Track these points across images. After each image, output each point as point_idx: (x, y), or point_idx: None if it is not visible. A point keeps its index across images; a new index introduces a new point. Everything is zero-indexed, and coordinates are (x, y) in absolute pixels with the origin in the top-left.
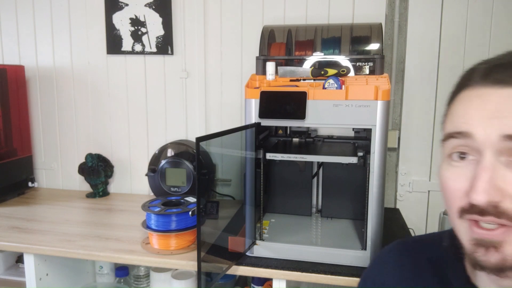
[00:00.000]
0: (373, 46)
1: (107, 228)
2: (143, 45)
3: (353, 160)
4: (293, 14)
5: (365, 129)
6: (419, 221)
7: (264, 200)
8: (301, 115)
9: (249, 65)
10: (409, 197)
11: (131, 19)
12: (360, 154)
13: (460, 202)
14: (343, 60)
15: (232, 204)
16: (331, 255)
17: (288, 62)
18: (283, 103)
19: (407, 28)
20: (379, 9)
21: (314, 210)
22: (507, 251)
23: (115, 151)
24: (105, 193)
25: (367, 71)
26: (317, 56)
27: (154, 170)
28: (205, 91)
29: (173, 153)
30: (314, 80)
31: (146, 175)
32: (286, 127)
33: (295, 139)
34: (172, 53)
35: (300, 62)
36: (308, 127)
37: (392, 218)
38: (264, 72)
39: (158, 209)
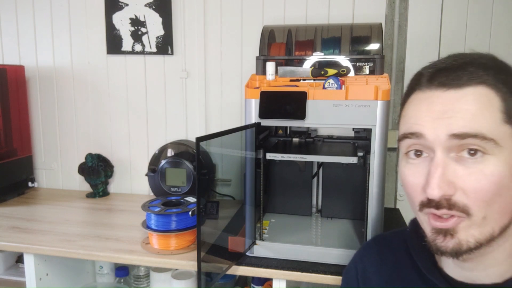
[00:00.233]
0: (373, 46)
1: (107, 228)
2: (143, 45)
3: (353, 160)
4: (293, 14)
5: (365, 129)
6: None
7: (264, 200)
8: (301, 115)
9: (249, 65)
10: None
11: (131, 19)
12: (360, 154)
13: (419, 196)
14: (343, 60)
15: (232, 204)
16: (331, 255)
17: (288, 62)
18: (283, 103)
19: (407, 28)
20: (379, 9)
21: (314, 210)
22: (461, 237)
23: (115, 151)
24: (105, 193)
25: (367, 71)
26: (317, 56)
27: (154, 170)
28: (205, 91)
29: (173, 153)
30: (314, 80)
31: (146, 175)
32: (286, 127)
33: (295, 139)
34: (172, 53)
35: (300, 62)
36: (308, 127)
37: (392, 218)
38: (264, 72)
39: (158, 209)
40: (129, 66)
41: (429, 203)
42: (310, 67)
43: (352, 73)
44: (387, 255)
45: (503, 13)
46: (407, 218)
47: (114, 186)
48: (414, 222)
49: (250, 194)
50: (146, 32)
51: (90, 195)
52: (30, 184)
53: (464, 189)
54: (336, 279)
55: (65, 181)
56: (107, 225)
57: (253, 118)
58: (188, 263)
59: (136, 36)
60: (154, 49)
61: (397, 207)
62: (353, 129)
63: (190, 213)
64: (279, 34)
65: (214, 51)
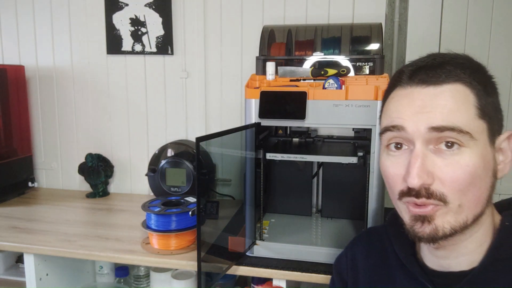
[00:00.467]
0: (373, 46)
1: (107, 228)
2: (143, 45)
3: (353, 160)
4: (293, 14)
5: (365, 129)
6: None
7: (264, 200)
8: (301, 115)
9: (249, 65)
10: None
11: (131, 19)
12: (360, 154)
13: (399, 186)
14: (343, 60)
15: (232, 204)
16: (331, 255)
17: (288, 62)
18: (283, 103)
19: (407, 28)
20: (379, 9)
21: (314, 210)
22: (438, 223)
23: (115, 151)
24: (105, 193)
25: (367, 71)
26: (317, 56)
27: (154, 170)
28: (205, 91)
29: (173, 153)
30: (314, 80)
31: (146, 175)
32: (286, 127)
33: (295, 139)
34: (172, 53)
35: (300, 62)
36: (308, 127)
37: None
38: (264, 72)
39: (158, 209)
40: (129, 66)
41: (409, 192)
42: (310, 67)
43: (352, 73)
44: (375, 244)
45: (503, 13)
46: None
47: (114, 186)
48: (393, 214)
49: (250, 194)
50: (146, 32)
51: (90, 195)
52: (30, 184)
53: (441, 179)
54: None
55: (65, 181)
56: (107, 225)
57: (253, 118)
58: (188, 263)
59: (136, 36)
60: (154, 49)
61: None
62: (353, 129)
63: (190, 213)
64: (279, 34)
65: (214, 51)
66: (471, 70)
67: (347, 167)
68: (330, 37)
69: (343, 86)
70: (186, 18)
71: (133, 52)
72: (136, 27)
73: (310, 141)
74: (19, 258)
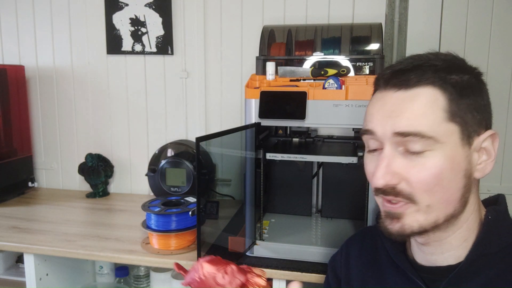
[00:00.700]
0: (373, 46)
1: (107, 228)
2: (143, 45)
3: (353, 160)
4: (293, 14)
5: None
6: None
7: (264, 200)
8: (301, 115)
9: (249, 65)
10: None
11: (131, 19)
12: (360, 154)
13: (373, 184)
14: (343, 60)
15: (232, 204)
16: (331, 255)
17: (288, 62)
18: (283, 103)
19: (407, 28)
20: (379, 9)
21: (314, 210)
22: (406, 221)
23: (115, 151)
24: (105, 193)
25: (367, 71)
26: (317, 56)
27: (154, 170)
28: (205, 91)
29: (173, 153)
30: (314, 80)
31: (146, 175)
32: (286, 127)
33: (295, 139)
34: (172, 53)
35: (300, 62)
36: (308, 127)
37: None
38: (264, 72)
39: (158, 209)
40: (129, 66)
41: (378, 190)
42: (310, 67)
43: (352, 73)
44: (368, 242)
45: (503, 13)
46: None
47: (114, 186)
48: None
49: (250, 194)
50: (146, 32)
51: (90, 195)
52: (30, 184)
53: (408, 180)
54: None
55: (65, 181)
56: (107, 225)
57: (253, 118)
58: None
59: (136, 36)
60: (154, 49)
61: None
62: (353, 129)
63: (190, 213)
64: (279, 34)
65: (214, 51)
66: (446, 72)
67: (347, 167)
68: (330, 37)
69: (343, 86)
70: (186, 18)
71: (133, 52)
72: (136, 27)
73: (310, 141)
74: (19, 258)
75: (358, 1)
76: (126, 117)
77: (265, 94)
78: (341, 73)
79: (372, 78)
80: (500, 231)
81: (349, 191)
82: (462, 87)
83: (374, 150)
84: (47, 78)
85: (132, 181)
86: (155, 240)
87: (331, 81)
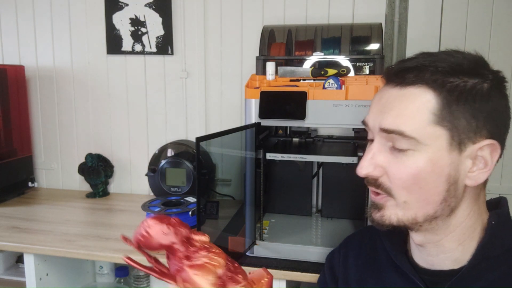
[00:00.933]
0: (373, 46)
1: (107, 228)
2: (143, 45)
3: (353, 160)
4: (293, 14)
5: (365, 129)
6: None
7: (264, 200)
8: (301, 115)
9: (249, 65)
10: None
11: (131, 19)
12: (360, 154)
13: None
14: (343, 60)
15: (232, 204)
16: None
17: (288, 62)
18: (283, 103)
19: (407, 28)
20: (379, 9)
21: (314, 210)
22: (386, 213)
23: (115, 151)
24: (105, 193)
25: (367, 71)
26: (317, 56)
27: (154, 170)
28: (205, 91)
29: (173, 153)
30: (314, 80)
31: (146, 175)
32: (286, 127)
33: (295, 139)
34: (172, 53)
35: (300, 62)
36: (308, 127)
37: None
38: (264, 72)
39: (158, 209)
40: (129, 66)
41: (365, 180)
42: (310, 67)
43: (352, 73)
44: (366, 242)
45: (503, 13)
46: None
47: (114, 186)
48: None
49: (250, 194)
50: (146, 32)
51: (90, 195)
52: (30, 184)
53: (388, 174)
54: None
55: (65, 181)
56: (107, 225)
57: (253, 118)
58: None
59: (136, 36)
60: (154, 49)
61: None
62: (353, 129)
63: (190, 213)
64: (279, 34)
65: (214, 51)
66: (448, 75)
67: (347, 167)
68: (330, 37)
69: (343, 86)
70: (186, 18)
71: (133, 52)
72: (136, 27)
73: (310, 141)
74: (19, 258)
75: (358, 1)
76: (126, 117)
77: (265, 94)
78: (341, 73)
79: (372, 78)
80: (502, 234)
81: (349, 191)
82: (461, 91)
83: (372, 141)
84: (47, 78)
85: (132, 181)
86: None
87: (331, 81)
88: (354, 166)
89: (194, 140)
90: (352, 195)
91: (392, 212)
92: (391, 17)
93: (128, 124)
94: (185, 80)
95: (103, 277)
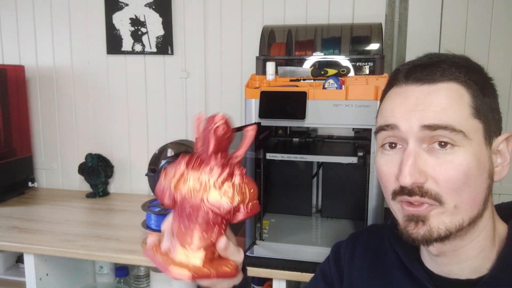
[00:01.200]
0: (373, 46)
1: (107, 228)
2: (143, 45)
3: (353, 160)
4: (293, 14)
5: (365, 129)
6: None
7: (264, 200)
8: (301, 115)
9: (249, 65)
10: None
11: (131, 19)
12: (360, 154)
13: (393, 185)
14: (343, 60)
15: None
16: None
17: (288, 62)
18: (283, 103)
19: (407, 28)
20: (379, 9)
21: (314, 210)
22: (432, 224)
23: (115, 151)
24: (105, 193)
25: (367, 71)
26: (317, 56)
27: (154, 170)
28: (205, 91)
29: (173, 153)
30: (314, 80)
31: (146, 175)
32: (286, 127)
33: (295, 139)
34: (172, 53)
35: (300, 62)
36: (308, 127)
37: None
38: (264, 72)
39: (158, 209)
40: (129, 66)
41: (402, 191)
42: (310, 67)
43: (352, 73)
44: (373, 241)
45: (503, 13)
46: None
47: (114, 186)
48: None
49: None
50: (146, 32)
51: (90, 195)
52: (30, 184)
53: (435, 178)
54: None
55: (65, 181)
56: (107, 225)
57: (253, 118)
58: None
59: (136, 36)
60: (154, 49)
61: None
62: (353, 129)
63: None
64: (279, 34)
65: (214, 51)
66: (467, 69)
67: (347, 167)
68: (330, 37)
69: (343, 86)
70: (186, 18)
71: (133, 52)
72: (136, 27)
73: (310, 141)
74: (19, 258)
75: (358, 1)
76: (126, 117)
77: (265, 94)
78: (341, 73)
79: (372, 78)
80: None
81: (349, 191)
82: (483, 85)
83: (391, 149)
84: (47, 78)
85: (132, 181)
86: None
87: (331, 81)
88: (354, 166)
89: (194, 140)
90: (352, 195)
91: (439, 222)
92: (391, 17)
93: (128, 124)
94: (185, 80)
95: (103, 277)
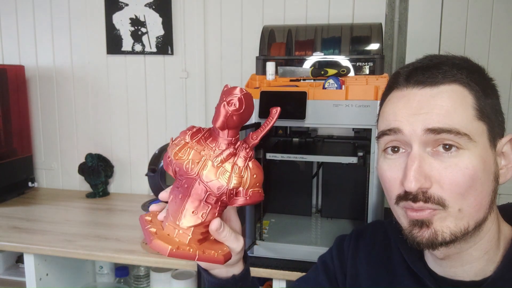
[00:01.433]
0: (373, 46)
1: (107, 228)
2: (143, 45)
3: (353, 160)
4: (293, 14)
5: (365, 129)
6: None
7: (264, 200)
8: (301, 115)
9: (249, 65)
10: None
11: (131, 19)
12: (360, 154)
13: (397, 190)
14: (343, 60)
15: None
16: None
17: (288, 62)
18: (283, 103)
19: (407, 28)
20: (379, 9)
21: (314, 210)
22: (437, 227)
23: (115, 151)
24: (105, 193)
25: (367, 71)
26: (317, 56)
27: (154, 170)
28: (205, 91)
29: None
30: (314, 80)
31: (146, 175)
32: (286, 127)
33: (295, 139)
34: (172, 53)
35: (300, 62)
36: (308, 127)
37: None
38: (264, 72)
39: None
40: (129, 66)
41: (406, 196)
42: (310, 67)
43: (352, 73)
44: (380, 237)
45: (503, 13)
46: None
47: (114, 186)
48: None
49: None
50: (146, 32)
51: (90, 195)
52: (30, 184)
53: (440, 182)
54: None
55: (65, 181)
56: (107, 225)
57: (253, 118)
58: (188, 263)
59: (136, 36)
60: (154, 49)
61: None
62: (353, 129)
63: None
64: (279, 34)
65: (214, 51)
66: (468, 70)
67: (347, 167)
68: (330, 37)
69: (343, 86)
70: (186, 18)
71: (133, 52)
72: (136, 27)
73: (310, 141)
74: (19, 258)
75: (358, 1)
76: (126, 117)
77: (265, 94)
78: (341, 73)
79: (372, 78)
80: None
81: (349, 191)
82: (485, 86)
83: (394, 153)
84: (47, 78)
85: (132, 181)
86: None
87: (331, 81)
88: (354, 166)
89: None
90: (352, 195)
91: (444, 226)
92: (391, 17)
93: (128, 124)
94: (185, 80)
95: (103, 277)
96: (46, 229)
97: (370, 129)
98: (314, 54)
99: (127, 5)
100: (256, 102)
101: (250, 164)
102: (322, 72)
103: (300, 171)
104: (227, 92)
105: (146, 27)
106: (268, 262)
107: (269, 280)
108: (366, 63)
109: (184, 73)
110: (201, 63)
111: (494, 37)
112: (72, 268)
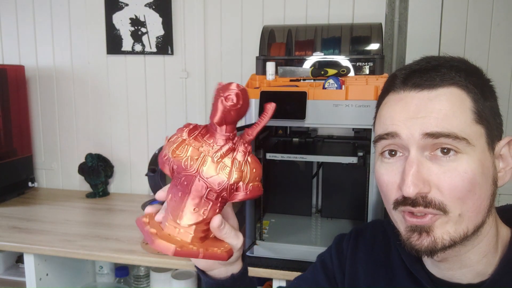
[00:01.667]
0: (373, 46)
1: (107, 228)
2: (143, 45)
3: (353, 160)
4: (293, 14)
5: (365, 129)
6: None
7: (264, 200)
8: (301, 115)
9: (249, 65)
10: None
11: (131, 19)
12: (360, 154)
13: (394, 195)
14: (343, 60)
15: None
16: None
17: (288, 62)
18: (283, 103)
19: (407, 28)
20: (379, 9)
21: (314, 210)
22: (437, 234)
23: (115, 151)
24: (105, 193)
25: (367, 71)
26: (317, 56)
27: (154, 170)
28: (205, 91)
29: None
30: (314, 80)
31: (146, 175)
32: (286, 127)
33: (295, 139)
34: (172, 53)
35: (300, 62)
36: (308, 127)
37: None
38: (264, 72)
39: None
40: (129, 66)
41: (404, 201)
42: (310, 67)
43: (352, 73)
44: (380, 237)
45: (503, 13)
46: None
47: (114, 186)
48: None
49: None
50: (146, 32)
51: (90, 195)
52: (30, 184)
53: (439, 187)
54: None
55: (65, 181)
56: (107, 225)
57: (253, 118)
58: (188, 263)
59: (136, 36)
60: (154, 49)
61: None
62: (353, 129)
63: None
64: (279, 34)
65: (214, 51)
66: (466, 73)
67: (347, 167)
68: (330, 37)
69: (343, 86)
70: (186, 18)
71: (133, 52)
72: (136, 27)
73: (310, 141)
74: (19, 258)
75: (358, 1)
76: (126, 117)
77: (265, 94)
78: (341, 73)
79: (372, 78)
80: None
81: (349, 191)
82: (483, 89)
83: (391, 156)
84: (47, 78)
85: (132, 181)
86: None
87: (331, 81)
88: (354, 166)
89: None
90: (352, 195)
91: (444, 232)
92: (391, 17)
93: (128, 124)
94: (185, 80)
95: (103, 277)
96: (46, 229)
97: (370, 129)
98: (314, 54)
99: (127, 5)
100: (256, 102)
101: (249, 158)
102: (322, 72)
103: (300, 171)
104: (224, 88)
105: (146, 27)
106: (268, 262)
107: (269, 280)
108: (366, 63)
109: (184, 73)
110: (201, 63)
111: (494, 37)
112: (72, 268)
